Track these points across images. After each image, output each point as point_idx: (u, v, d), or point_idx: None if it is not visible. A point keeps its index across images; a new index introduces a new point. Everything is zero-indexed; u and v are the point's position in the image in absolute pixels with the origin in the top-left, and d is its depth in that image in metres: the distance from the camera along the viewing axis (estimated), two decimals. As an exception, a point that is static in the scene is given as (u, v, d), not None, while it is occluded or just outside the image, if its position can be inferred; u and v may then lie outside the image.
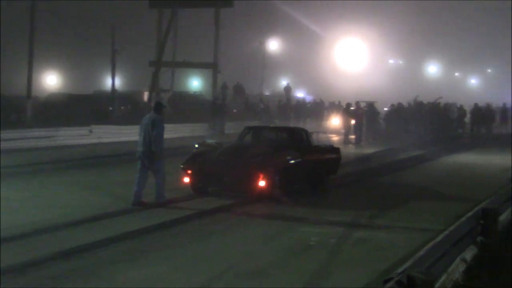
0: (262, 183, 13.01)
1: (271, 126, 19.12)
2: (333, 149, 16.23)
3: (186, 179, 13.40)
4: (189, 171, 13.65)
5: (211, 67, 41.17)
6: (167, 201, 12.66)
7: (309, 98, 50.51)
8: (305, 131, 16.01)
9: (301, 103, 44.51)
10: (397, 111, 38.70)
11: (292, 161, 14.04)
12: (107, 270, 8.20)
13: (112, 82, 36.61)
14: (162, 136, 12.62)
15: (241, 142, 15.53)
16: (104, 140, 27.51)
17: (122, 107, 37.22)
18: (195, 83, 62.73)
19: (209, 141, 15.63)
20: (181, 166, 13.84)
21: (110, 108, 34.79)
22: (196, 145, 14.97)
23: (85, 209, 11.79)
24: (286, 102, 43.86)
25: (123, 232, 9.98)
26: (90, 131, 27.57)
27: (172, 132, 32.30)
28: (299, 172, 14.30)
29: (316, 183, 15.06)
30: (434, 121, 39.54)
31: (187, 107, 40.12)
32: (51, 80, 59.83)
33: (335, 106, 42.15)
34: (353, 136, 31.49)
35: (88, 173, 17.45)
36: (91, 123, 28.11)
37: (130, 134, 29.78)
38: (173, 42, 41.14)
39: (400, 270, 5.82)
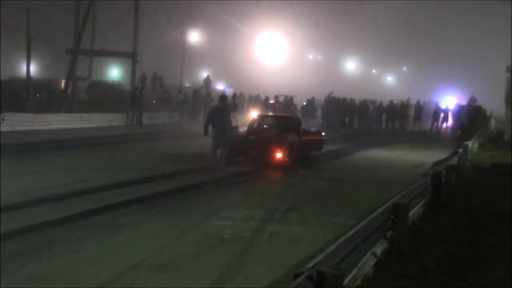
0: (279, 155, 18.28)
1: (275, 115, 25.61)
2: (319, 133, 22.95)
3: None
4: None
5: (130, 57, 40.42)
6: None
7: (229, 91, 50.50)
8: (299, 119, 22.61)
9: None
10: (314, 105, 39.28)
11: (295, 140, 19.43)
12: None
13: (27, 68, 35.50)
14: (230, 120, 18.22)
15: (257, 126, 20.99)
16: (17, 128, 26.79)
17: (38, 95, 36.11)
18: (114, 72, 61.81)
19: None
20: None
21: (24, 95, 33.72)
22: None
23: None
24: (205, 94, 43.66)
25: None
26: (3, 119, 26.78)
27: (88, 122, 31.76)
28: (298, 148, 19.58)
29: (305, 157, 20.84)
30: (350, 117, 40.35)
31: (105, 97, 39.39)
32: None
33: (254, 99, 42.31)
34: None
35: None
36: (4, 111, 27.28)
37: (46, 122, 29.15)
38: (91, 29, 40.17)
39: (310, 264, 5.85)
